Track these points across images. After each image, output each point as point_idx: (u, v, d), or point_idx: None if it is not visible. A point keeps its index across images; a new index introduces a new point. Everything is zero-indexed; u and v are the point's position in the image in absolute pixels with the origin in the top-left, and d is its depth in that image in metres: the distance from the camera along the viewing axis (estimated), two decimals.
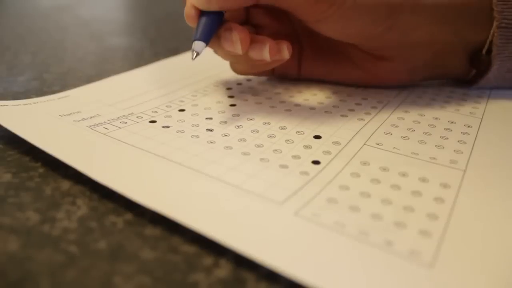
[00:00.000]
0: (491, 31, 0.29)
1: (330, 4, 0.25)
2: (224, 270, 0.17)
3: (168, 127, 0.26)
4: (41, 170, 0.23)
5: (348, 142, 0.25)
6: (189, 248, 0.18)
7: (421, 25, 0.28)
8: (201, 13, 0.26)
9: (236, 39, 0.26)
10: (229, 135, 0.25)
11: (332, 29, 0.28)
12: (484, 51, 0.30)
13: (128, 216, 0.19)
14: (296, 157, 0.23)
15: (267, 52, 0.27)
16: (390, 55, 0.30)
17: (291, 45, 0.28)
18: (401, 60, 0.30)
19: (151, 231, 0.19)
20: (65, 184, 0.22)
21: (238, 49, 0.26)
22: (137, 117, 0.27)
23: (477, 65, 0.31)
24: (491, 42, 0.29)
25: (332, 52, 0.32)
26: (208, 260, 0.17)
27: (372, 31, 0.28)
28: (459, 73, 0.33)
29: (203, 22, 0.26)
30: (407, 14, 0.27)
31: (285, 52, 0.27)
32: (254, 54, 0.27)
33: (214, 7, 0.26)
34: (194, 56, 0.26)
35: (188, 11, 0.26)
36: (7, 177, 0.22)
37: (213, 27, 0.26)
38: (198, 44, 0.26)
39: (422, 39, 0.29)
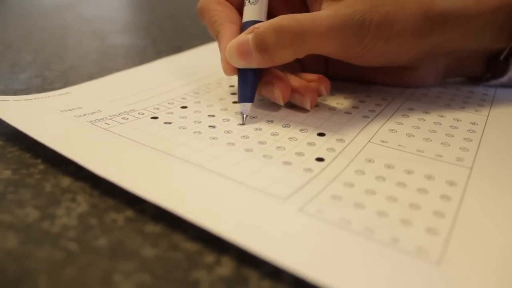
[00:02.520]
0: None
1: (362, 47, 0.25)
2: (226, 268, 0.16)
3: (170, 123, 0.26)
4: (41, 167, 0.23)
5: (352, 140, 0.24)
6: (190, 246, 0.17)
7: (450, 41, 0.28)
8: (240, 68, 0.26)
9: (278, 95, 0.26)
10: (231, 132, 0.25)
11: (365, 63, 0.28)
12: (502, 57, 0.30)
13: (129, 213, 0.19)
14: (299, 154, 0.23)
15: (308, 103, 0.27)
16: (416, 66, 0.31)
17: (329, 83, 0.28)
18: (425, 68, 0.31)
19: (152, 228, 0.18)
20: (65, 181, 0.21)
21: (280, 102, 0.27)
22: (138, 113, 0.27)
23: (493, 69, 0.31)
24: (511, 48, 0.29)
25: None
26: (210, 257, 0.17)
27: (402, 57, 0.28)
28: (475, 74, 0.33)
29: (245, 81, 0.26)
30: (437, 35, 0.27)
31: (323, 93, 0.28)
32: (295, 102, 0.28)
33: (253, 66, 0.25)
34: (244, 119, 0.26)
35: (225, 65, 0.26)
36: (7, 173, 0.22)
37: (254, 84, 0.26)
38: (246, 106, 0.26)
39: (448, 51, 0.29)
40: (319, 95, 0.28)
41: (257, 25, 0.25)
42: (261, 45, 0.24)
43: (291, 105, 0.28)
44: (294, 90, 0.27)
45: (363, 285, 0.15)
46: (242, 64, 0.25)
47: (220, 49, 0.27)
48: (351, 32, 0.25)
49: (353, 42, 0.25)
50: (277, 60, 0.25)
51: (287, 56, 0.25)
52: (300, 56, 0.25)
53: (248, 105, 0.26)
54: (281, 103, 0.27)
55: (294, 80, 0.27)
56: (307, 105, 0.27)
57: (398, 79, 0.32)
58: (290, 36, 0.24)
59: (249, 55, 0.25)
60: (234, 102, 0.29)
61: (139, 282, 0.16)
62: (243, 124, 0.26)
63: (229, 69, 0.26)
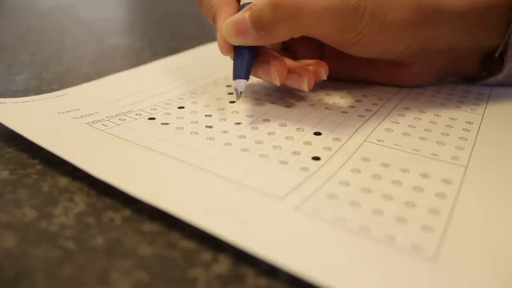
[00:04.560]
0: (507, 34, 0.29)
1: (356, 33, 0.26)
2: (223, 265, 0.16)
3: (167, 124, 0.26)
4: (38, 167, 0.23)
5: (348, 139, 0.24)
6: (187, 244, 0.17)
7: (443, 36, 0.28)
8: (236, 46, 0.26)
9: (274, 73, 0.26)
10: (228, 131, 0.25)
11: (359, 51, 0.28)
12: (497, 54, 0.30)
13: (126, 212, 0.19)
14: (296, 153, 0.23)
15: (305, 84, 0.27)
16: (410, 62, 0.31)
17: (327, 65, 0.28)
18: (419, 66, 0.31)
19: (149, 227, 0.18)
20: (63, 181, 0.21)
21: (276, 82, 0.27)
22: (136, 114, 0.27)
23: (489, 67, 0.31)
24: (505, 44, 0.29)
25: (352, 56, 0.32)
26: (207, 255, 0.17)
27: (395, 48, 0.28)
28: (471, 73, 0.33)
29: (240, 58, 0.26)
30: (430, 28, 0.27)
31: (323, 75, 0.28)
32: (292, 84, 0.28)
33: (249, 43, 0.26)
34: (238, 96, 0.26)
35: (222, 44, 0.26)
36: (5, 174, 0.22)
37: (250, 62, 0.26)
38: (240, 83, 0.26)
39: (442, 48, 0.29)
40: (318, 78, 0.28)
41: (254, 2, 0.25)
42: (258, 21, 0.24)
43: (288, 104, 0.28)
44: (291, 71, 0.27)
45: (359, 282, 0.15)
46: (238, 41, 0.26)
47: (216, 30, 0.27)
48: (346, 16, 0.25)
49: (347, 27, 0.25)
50: (274, 36, 0.25)
51: (283, 33, 0.25)
52: (296, 35, 0.25)
53: (242, 82, 0.26)
54: (278, 83, 0.27)
55: (291, 62, 0.28)
56: (305, 86, 0.27)
57: (392, 77, 0.32)
58: (286, 11, 0.24)
59: (246, 32, 0.25)
60: (231, 102, 0.29)
61: (136, 280, 0.16)
62: (237, 100, 0.26)
63: (225, 47, 0.26)
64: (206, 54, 0.41)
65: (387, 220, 0.18)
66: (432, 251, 0.16)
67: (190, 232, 0.18)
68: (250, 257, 0.16)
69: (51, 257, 0.17)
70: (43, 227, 0.18)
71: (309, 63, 0.29)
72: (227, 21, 0.25)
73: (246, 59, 0.26)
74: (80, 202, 0.20)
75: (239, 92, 0.26)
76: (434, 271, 0.15)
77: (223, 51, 0.27)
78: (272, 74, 0.26)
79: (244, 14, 0.25)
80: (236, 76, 0.26)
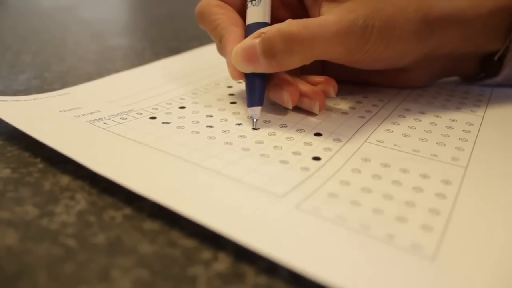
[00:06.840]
0: (508, 38, 0.29)
1: (364, 52, 0.26)
2: (223, 263, 0.17)
3: (168, 123, 0.26)
4: (40, 165, 0.23)
5: (348, 139, 0.24)
6: (187, 242, 0.18)
7: (447, 43, 0.29)
8: (247, 74, 0.26)
9: (287, 98, 0.26)
10: (229, 131, 0.25)
11: (365, 66, 0.28)
12: (496, 57, 0.30)
13: (127, 210, 0.19)
14: (296, 153, 0.23)
15: (317, 108, 0.27)
16: (411, 67, 0.31)
17: (336, 84, 0.28)
18: (420, 70, 0.31)
19: (149, 225, 0.18)
20: (64, 179, 0.22)
21: (289, 106, 0.26)
22: (137, 113, 0.27)
23: (487, 69, 0.32)
24: (505, 48, 0.29)
25: None
26: (207, 253, 0.17)
27: (401, 61, 0.29)
28: (469, 74, 0.33)
29: (252, 84, 0.26)
30: (436, 38, 0.28)
31: (332, 94, 0.28)
32: (303, 106, 0.27)
33: (260, 71, 0.25)
34: (255, 123, 0.26)
35: (232, 70, 0.26)
36: (6, 172, 0.22)
37: (262, 87, 0.26)
38: (255, 110, 0.26)
39: (444, 53, 0.29)
40: (327, 96, 0.28)
41: (264, 29, 0.24)
42: (269, 51, 0.24)
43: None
44: (302, 94, 0.27)
45: (358, 279, 0.15)
46: (248, 69, 0.25)
47: (225, 54, 0.26)
48: (355, 37, 0.25)
49: (356, 47, 0.25)
50: (285, 66, 0.25)
51: (295, 62, 0.25)
52: (307, 62, 0.25)
53: (257, 109, 0.26)
54: (290, 106, 0.26)
55: (302, 84, 0.27)
56: (316, 109, 0.27)
57: (393, 80, 0.32)
58: (299, 42, 0.24)
59: (256, 61, 0.24)
60: (232, 103, 0.29)
61: (137, 277, 0.16)
62: (255, 128, 0.25)
63: (236, 74, 0.26)
64: (207, 54, 0.41)
65: (387, 220, 0.18)
66: (431, 250, 0.16)
67: (190, 231, 0.18)
68: (250, 255, 0.16)
69: (52, 254, 0.17)
70: (45, 225, 0.18)
71: (318, 81, 0.28)
72: (236, 48, 0.25)
73: (258, 86, 0.26)
74: (81, 200, 0.20)
75: (254, 120, 0.26)
76: (433, 270, 0.15)
77: (234, 77, 0.26)
78: (285, 98, 0.26)
79: (254, 41, 0.24)
80: (250, 103, 0.26)
